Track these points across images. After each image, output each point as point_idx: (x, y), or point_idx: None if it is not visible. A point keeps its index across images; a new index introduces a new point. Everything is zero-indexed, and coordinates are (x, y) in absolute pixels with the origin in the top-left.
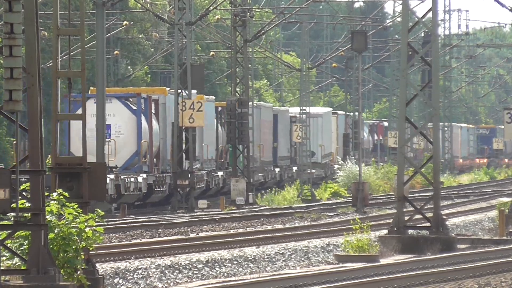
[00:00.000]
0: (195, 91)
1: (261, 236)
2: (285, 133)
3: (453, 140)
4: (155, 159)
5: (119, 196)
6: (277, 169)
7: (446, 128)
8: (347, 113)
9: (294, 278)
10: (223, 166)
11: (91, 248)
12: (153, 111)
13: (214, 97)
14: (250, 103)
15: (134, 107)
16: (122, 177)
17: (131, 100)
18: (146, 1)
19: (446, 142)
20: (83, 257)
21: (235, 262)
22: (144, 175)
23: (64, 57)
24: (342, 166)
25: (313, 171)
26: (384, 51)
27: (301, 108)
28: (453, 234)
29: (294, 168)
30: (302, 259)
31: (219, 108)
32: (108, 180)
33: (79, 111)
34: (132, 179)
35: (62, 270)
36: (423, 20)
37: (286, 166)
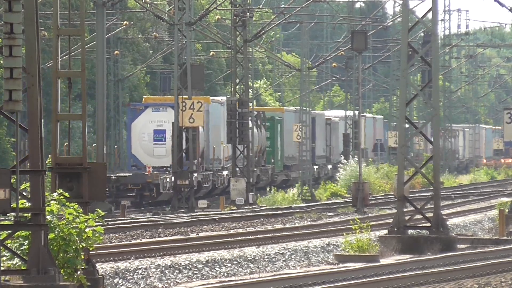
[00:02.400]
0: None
1: (261, 236)
2: (321, 135)
3: (477, 140)
4: (200, 159)
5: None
6: (315, 167)
7: (467, 129)
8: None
9: (294, 278)
10: (258, 164)
11: (91, 248)
12: None
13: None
14: (295, 108)
15: None
16: None
17: None
18: (146, 1)
19: (470, 143)
20: (83, 257)
21: (235, 262)
22: (196, 174)
23: (64, 57)
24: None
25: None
26: (384, 51)
27: (300, 108)
28: (453, 234)
29: (329, 166)
30: (302, 259)
31: (254, 113)
32: (173, 179)
33: (139, 118)
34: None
35: (62, 270)
36: (423, 19)
37: (322, 165)
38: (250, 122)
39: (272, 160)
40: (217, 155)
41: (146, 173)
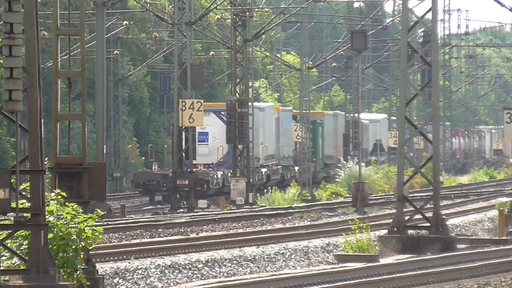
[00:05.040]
0: (271, 104)
1: (261, 236)
2: None
3: (504, 140)
4: (238, 157)
5: (223, 186)
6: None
7: (494, 130)
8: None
9: (294, 278)
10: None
11: (90, 248)
12: None
13: (291, 108)
14: (333, 112)
15: (225, 118)
16: (225, 172)
17: (223, 113)
18: (146, 1)
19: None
20: (82, 257)
21: (235, 262)
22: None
23: (64, 57)
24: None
25: None
26: (384, 50)
27: (300, 108)
28: (453, 234)
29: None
30: (302, 259)
31: (298, 116)
32: (219, 175)
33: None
34: (229, 174)
35: (61, 270)
36: (423, 19)
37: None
38: (293, 125)
39: (314, 159)
40: (255, 154)
41: (198, 171)
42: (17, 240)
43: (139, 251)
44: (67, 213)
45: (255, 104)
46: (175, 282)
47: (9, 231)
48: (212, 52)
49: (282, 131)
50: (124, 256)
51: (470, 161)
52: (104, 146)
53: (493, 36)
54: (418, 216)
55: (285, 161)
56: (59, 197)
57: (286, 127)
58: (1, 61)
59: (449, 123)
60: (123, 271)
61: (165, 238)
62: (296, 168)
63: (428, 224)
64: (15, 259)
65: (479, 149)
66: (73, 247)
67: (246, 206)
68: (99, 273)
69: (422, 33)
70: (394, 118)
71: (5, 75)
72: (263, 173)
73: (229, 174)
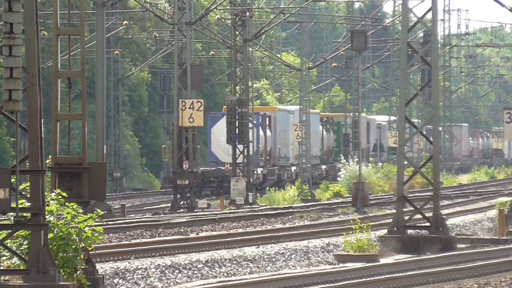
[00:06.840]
0: (297, 107)
1: (261, 236)
2: (373, 136)
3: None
4: (268, 157)
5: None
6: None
7: None
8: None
9: (294, 278)
10: (327, 161)
11: (90, 248)
12: (267, 123)
13: (318, 111)
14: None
15: (255, 121)
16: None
17: (251, 117)
18: (146, 1)
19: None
20: (83, 257)
21: (235, 262)
22: (261, 168)
23: (64, 57)
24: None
25: None
26: (384, 50)
27: (300, 108)
28: (453, 234)
29: (379, 164)
30: (302, 259)
31: (325, 119)
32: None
33: (217, 124)
34: (255, 172)
35: (62, 270)
36: (423, 19)
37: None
38: (320, 127)
39: (338, 158)
40: (285, 154)
41: (225, 169)
42: (17, 240)
43: (139, 251)
44: (67, 213)
45: (285, 107)
46: (175, 282)
47: (9, 231)
48: (212, 52)
49: (311, 132)
50: (124, 256)
51: (489, 161)
52: (104, 146)
53: (493, 36)
54: (418, 216)
55: (314, 160)
56: (59, 197)
57: (314, 129)
58: (1, 61)
59: (467, 124)
60: (123, 271)
61: (165, 238)
62: (323, 166)
63: (428, 224)
64: (15, 259)
65: (499, 149)
66: (73, 247)
67: (246, 206)
68: (99, 273)
69: (422, 33)
70: (394, 118)
71: (5, 75)
72: (293, 171)
73: (255, 172)
